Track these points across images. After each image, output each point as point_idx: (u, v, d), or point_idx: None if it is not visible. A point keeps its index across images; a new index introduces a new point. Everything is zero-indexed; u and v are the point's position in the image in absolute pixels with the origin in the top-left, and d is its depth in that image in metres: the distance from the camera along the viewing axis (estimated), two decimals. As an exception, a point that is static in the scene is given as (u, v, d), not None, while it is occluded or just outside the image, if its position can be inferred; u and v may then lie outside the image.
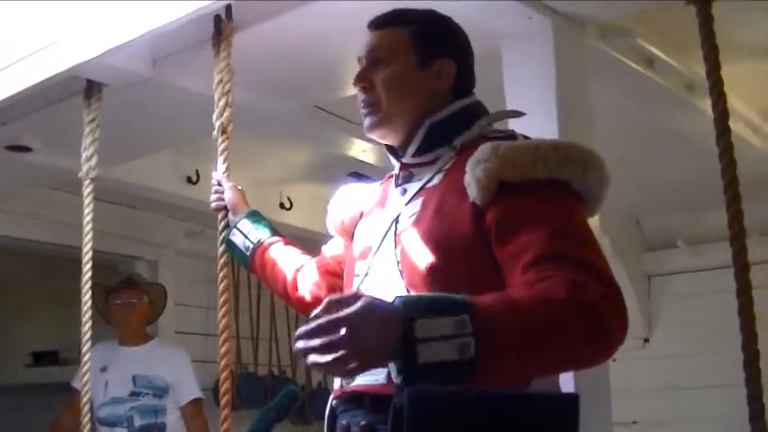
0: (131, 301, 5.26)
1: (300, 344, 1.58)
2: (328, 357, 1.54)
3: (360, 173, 5.38)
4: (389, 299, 1.64)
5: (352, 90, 3.75)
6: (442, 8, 2.29)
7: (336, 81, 3.80)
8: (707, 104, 4.11)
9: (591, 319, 1.65)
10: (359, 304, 1.55)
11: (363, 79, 2.14)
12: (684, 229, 6.68)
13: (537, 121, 3.03)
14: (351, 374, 1.81)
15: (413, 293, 1.77)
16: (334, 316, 1.55)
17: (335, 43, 3.43)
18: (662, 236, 6.82)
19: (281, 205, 6.16)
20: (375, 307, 1.57)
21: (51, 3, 3.38)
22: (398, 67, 2.10)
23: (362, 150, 4.95)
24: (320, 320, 1.56)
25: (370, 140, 4.56)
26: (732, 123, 2.08)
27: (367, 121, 2.14)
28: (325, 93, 3.98)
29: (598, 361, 1.77)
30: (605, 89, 3.68)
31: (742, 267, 1.97)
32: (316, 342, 1.56)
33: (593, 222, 3.14)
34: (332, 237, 2.51)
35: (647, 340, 6.86)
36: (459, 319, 1.56)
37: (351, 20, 3.11)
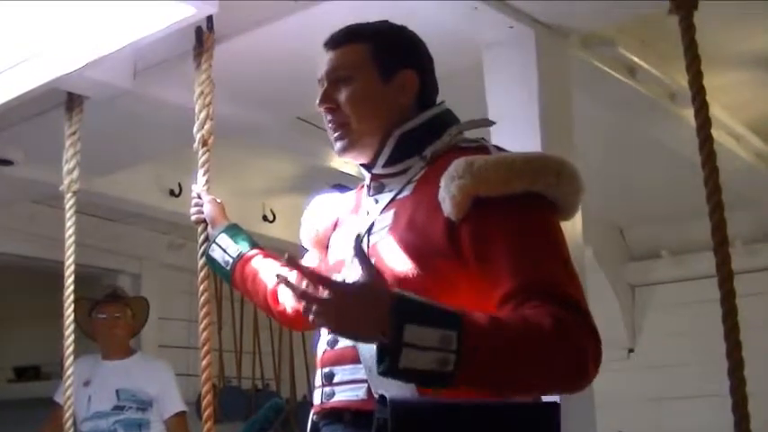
0: (116, 315, 5.23)
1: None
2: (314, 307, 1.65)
3: (342, 184, 5.37)
4: None
5: (334, 102, 3.79)
6: (423, 16, 2.28)
7: (318, 92, 3.79)
8: (690, 114, 4.12)
9: (572, 355, 1.70)
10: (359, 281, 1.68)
11: (327, 100, 2.10)
12: (668, 238, 6.71)
13: (519, 131, 3.04)
14: (323, 326, 1.78)
15: (406, 293, 1.71)
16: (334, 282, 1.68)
17: (314, 55, 3.42)
18: (645, 246, 6.85)
19: (264, 217, 6.15)
20: (369, 288, 1.67)
21: (32, 16, 3.36)
22: (361, 84, 2.07)
23: (345, 162, 4.92)
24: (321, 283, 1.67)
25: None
26: (715, 133, 2.08)
27: (338, 145, 2.10)
28: (308, 104, 3.92)
29: (570, 392, 1.82)
30: (588, 99, 3.69)
31: (725, 276, 1.96)
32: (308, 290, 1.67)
33: (576, 234, 3.16)
34: (307, 250, 2.48)
35: (631, 350, 6.88)
36: (446, 334, 1.61)
37: (331, 30, 3.11)
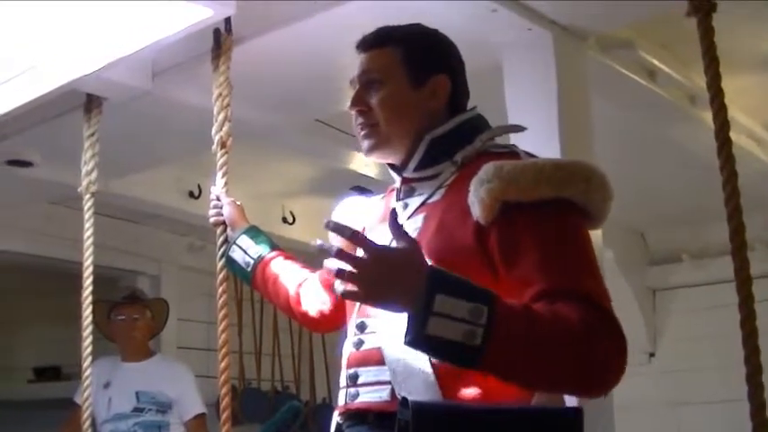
0: (134, 317, 5.25)
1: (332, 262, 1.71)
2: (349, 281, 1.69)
3: (362, 186, 5.38)
4: (393, 315, 1.77)
5: (353, 104, 3.79)
6: (442, 19, 2.28)
7: (337, 94, 3.77)
8: (710, 117, 4.12)
9: (597, 357, 1.71)
10: (397, 247, 1.72)
11: (359, 102, 2.12)
12: (689, 243, 6.68)
13: (538, 134, 3.02)
14: (359, 300, 1.84)
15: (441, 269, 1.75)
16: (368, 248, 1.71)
17: (336, 56, 3.41)
18: (666, 250, 6.83)
19: (284, 219, 6.16)
20: (408, 254, 1.70)
21: (51, 17, 3.37)
22: (393, 89, 2.09)
23: (364, 164, 4.94)
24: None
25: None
26: (735, 136, 2.07)
27: (366, 143, 2.12)
28: (326, 106, 3.97)
29: (589, 396, 1.86)
30: (606, 101, 3.68)
31: (744, 280, 1.95)
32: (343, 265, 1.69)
33: (596, 238, 3.14)
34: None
35: (652, 354, 6.85)
36: (476, 307, 1.64)
37: (351, 33, 3.10)
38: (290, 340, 6.99)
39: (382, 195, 2.32)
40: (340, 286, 1.72)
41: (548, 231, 1.84)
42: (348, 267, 1.68)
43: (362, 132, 2.11)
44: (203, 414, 5.26)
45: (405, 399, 1.71)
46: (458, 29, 2.27)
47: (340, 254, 1.69)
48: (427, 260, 1.79)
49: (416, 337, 1.64)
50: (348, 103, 2.15)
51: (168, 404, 5.12)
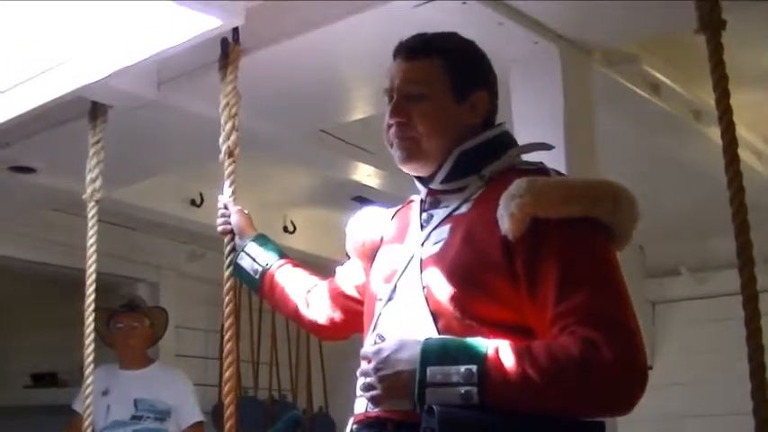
0: (133, 325, 5.25)
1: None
2: (367, 393, 1.89)
3: (364, 197, 5.38)
4: (415, 325, 1.90)
5: (359, 115, 3.81)
6: (448, 30, 2.29)
7: (343, 106, 3.80)
8: (713, 132, 4.15)
9: (598, 385, 1.73)
10: (389, 346, 1.87)
11: (400, 114, 2.10)
12: (688, 256, 6.69)
13: (544, 147, 3.04)
14: (378, 403, 1.91)
15: (436, 337, 1.85)
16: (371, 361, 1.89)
17: (342, 68, 3.44)
18: (665, 263, 6.83)
19: (285, 229, 6.17)
20: (401, 350, 1.85)
21: (58, 24, 3.38)
22: (436, 104, 2.08)
23: (367, 175, 4.95)
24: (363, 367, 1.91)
25: (376, 165, 4.59)
26: (738, 151, 2.07)
27: (402, 154, 2.10)
28: (332, 117, 3.98)
29: (604, 416, 1.85)
30: (611, 115, 3.69)
31: (750, 296, 1.95)
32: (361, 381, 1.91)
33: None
34: (347, 259, 2.50)
35: (650, 367, 6.83)
36: (467, 369, 1.75)
37: (358, 45, 3.12)
38: (288, 349, 6.99)
39: (399, 207, 2.33)
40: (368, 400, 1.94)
41: (574, 251, 1.85)
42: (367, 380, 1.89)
43: (399, 143, 2.10)
44: (201, 422, 5.27)
45: (431, 407, 1.74)
46: (464, 40, 2.27)
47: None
48: (452, 274, 1.89)
49: (423, 409, 1.76)
50: (359, 109, 2.16)
51: (166, 412, 5.12)
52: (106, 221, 4.58)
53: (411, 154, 2.09)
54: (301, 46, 3.22)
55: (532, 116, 3.14)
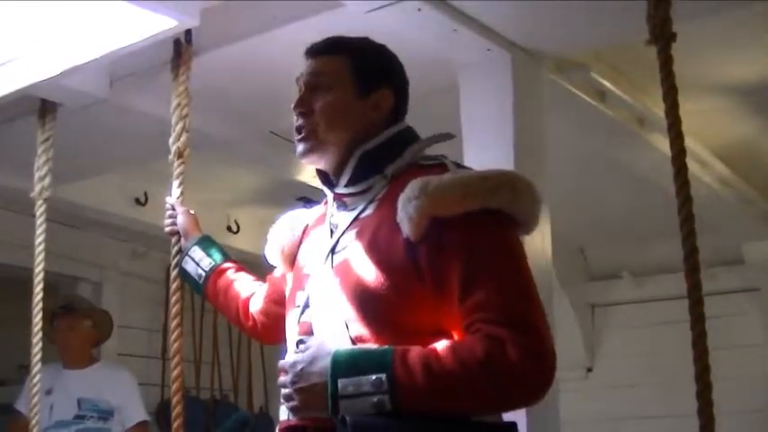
0: (71, 326, 5.18)
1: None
2: (287, 404, 1.91)
3: (308, 198, 5.39)
4: (330, 333, 1.92)
5: (308, 116, 3.80)
6: (402, 36, 2.31)
7: (291, 107, 3.80)
8: (656, 139, 4.22)
9: (501, 378, 1.74)
10: (304, 359, 1.87)
11: (302, 104, 2.13)
12: (629, 260, 6.78)
13: (493, 151, 3.08)
14: (297, 413, 1.93)
15: (344, 348, 1.86)
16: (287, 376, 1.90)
17: (291, 70, 3.42)
18: (606, 266, 6.91)
19: (229, 228, 6.15)
20: (314, 362, 1.86)
21: (8, 20, 3.35)
22: (338, 95, 2.10)
23: (313, 176, 4.93)
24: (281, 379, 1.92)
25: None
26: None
27: (301, 147, 2.12)
28: (280, 118, 3.97)
29: (512, 409, 1.87)
30: (558, 121, 3.73)
31: (696, 301, 2.00)
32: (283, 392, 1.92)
33: (545, 257, 3.19)
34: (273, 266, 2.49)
35: (589, 370, 6.93)
36: (377, 378, 1.76)
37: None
38: (229, 349, 6.96)
39: (324, 202, 2.31)
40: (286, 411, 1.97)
41: (475, 246, 1.85)
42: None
43: (300, 135, 2.12)
44: (146, 422, 5.23)
45: (344, 417, 1.77)
46: (418, 47, 2.30)
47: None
48: (361, 279, 1.91)
49: (338, 420, 1.79)
50: (292, 107, 2.17)
51: (110, 411, 5.08)
52: (49, 219, 4.55)
53: (310, 146, 2.10)
54: (253, 48, 3.24)
55: (482, 121, 3.17)
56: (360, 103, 2.10)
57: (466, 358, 1.74)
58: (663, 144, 4.05)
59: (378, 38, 2.22)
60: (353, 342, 1.89)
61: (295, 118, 2.15)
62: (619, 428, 6.56)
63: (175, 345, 2.93)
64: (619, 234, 6.54)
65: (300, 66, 2.25)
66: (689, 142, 4.59)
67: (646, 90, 3.97)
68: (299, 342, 2.02)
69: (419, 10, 2.87)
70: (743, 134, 4.81)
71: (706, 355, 1.98)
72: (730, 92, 4.24)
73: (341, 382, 1.77)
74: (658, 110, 4.04)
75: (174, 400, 2.95)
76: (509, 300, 1.81)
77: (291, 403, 1.88)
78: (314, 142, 2.09)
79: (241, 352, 7.08)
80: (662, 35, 2.06)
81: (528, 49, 3.23)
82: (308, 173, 4.92)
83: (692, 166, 4.69)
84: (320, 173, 2.17)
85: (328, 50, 2.16)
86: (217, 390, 6.89)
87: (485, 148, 3.09)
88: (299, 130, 2.13)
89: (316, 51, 2.18)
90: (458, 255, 1.83)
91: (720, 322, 5.42)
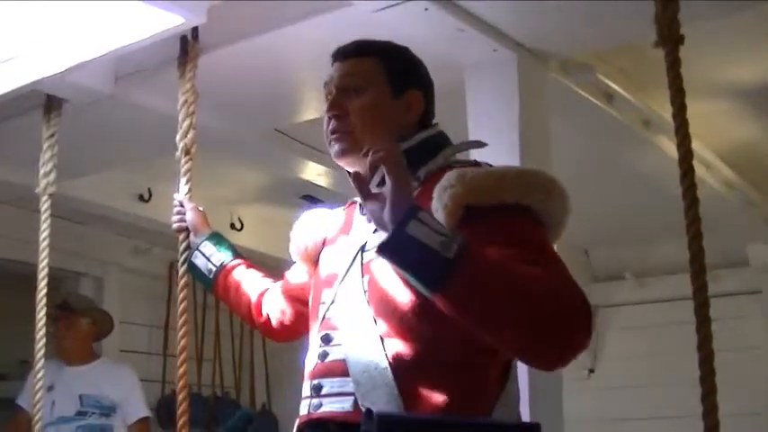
0: (67, 325, 5.17)
1: None
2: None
3: (312, 196, 5.40)
4: (358, 330, 1.89)
5: (313, 115, 3.82)
6: (408, 36, 2.31)
7: (298, 106, 3.81)
8: (662, 141, 4.21)
9: (560, 313, 1.73)
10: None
11: (336, 107, 2.12)
12: (632, 261, 6.78)
13: (498, 152, 3.07)
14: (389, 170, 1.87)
15: None
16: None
17: (299, 69, 3.45)
18: (609, 267, 6.91)
19: (232, 225, 6.14)
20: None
21: (15, 17, 3.35)
22: (374, 96, 2.11)
23: (317, 174, 4.96)
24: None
25: (327, 165, 4.60)
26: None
27: (338, 147, 2.12)
28: (286, 117, 3.99)
29: (542, 359, 1.84)
30: (564, 122, 3.73)
31: (702, 303, 2.00)
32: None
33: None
34: (293, 262, 2.47)
35: (591, 371, 6.93)
36: (453, 234, 1.73)
37: (315, 47, 3.13)
38: (231, 346, 6.96)
39: (343, 207, 2.32)
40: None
41: (508, 232, 1.85)
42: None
43: (335, 137, 2.12)
44: (147, 418, 5.24)
45: (369, 410, 1.74)
46: (423, 47, 2.29)
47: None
48: (393, 278, 1.88)
49: (395, 235, 1.72)
50: (312, 110, 2.16)
51: (112, 408, 5.09)
52: (52, 215, 4.55)
53: (346, 148, 2.11)
54: (259, 46, 3.24)
55: (488, 121, 3.18)
56: (394, 104, 2.12)
57: (528, 270, 1.74)
58: (668, 146, 4.07)
59: (385, 37, 2.23)
60: (381, 339, 1.89)
61: (327, 121, 2.15)
62: (621, 430, 6.55)
63: (182, 342, 2.92)
64: (622, 236, 6.54)
65: (305, 63, 2.26)
66: (693, 144, 4.60)
67: (650, 92, 3.97)
68: (325, 337, 2.02)
69: (426, 10, 2.89)
70: (747, 136, 4.81)
71: (711, 357, 1.97)
72: (734, 94, 4.24)
73: (422, 214, 1.74)
74: (664, 112, 4.07)
75: (180, 397, 2.95)
76: (554, 267, 1.81)
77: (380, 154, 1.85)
78: (350, 144, 2.10)
79: (243, 349, 7.08)
80: (670, 37, 2.04)
81: (534, 50, 3.24)
82: (313, 171, 4.93)
83: (697, 168, 4.62)
84: (354, 175, 2.16)
85: (358, 52, 2.17)
86: (218, 387, 6.89)
87: (490, 148, 3.08)
88: (333, 131, 2.13)
89: (345, 54, 2.18)
90: (490, 241, 1.81)
91: (723, 324, 5.42)
